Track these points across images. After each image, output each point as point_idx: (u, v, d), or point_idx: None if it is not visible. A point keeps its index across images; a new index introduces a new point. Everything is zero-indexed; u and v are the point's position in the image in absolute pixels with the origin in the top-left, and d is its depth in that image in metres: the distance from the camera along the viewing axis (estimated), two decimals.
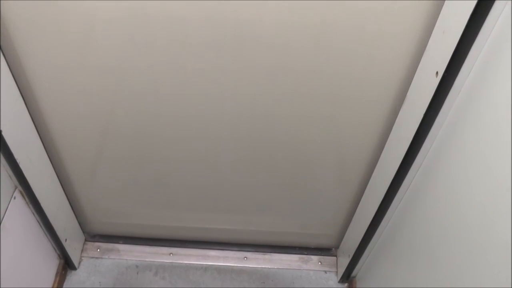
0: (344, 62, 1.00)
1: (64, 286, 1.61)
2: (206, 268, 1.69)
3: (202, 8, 0.90)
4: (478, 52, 0.80)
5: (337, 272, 1.69)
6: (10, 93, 1.05)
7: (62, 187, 1.41)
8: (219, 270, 1.69)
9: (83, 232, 1.70)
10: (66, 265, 1.62)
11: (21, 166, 1.13)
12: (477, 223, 0.81)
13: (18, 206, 1.26)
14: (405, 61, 0.98)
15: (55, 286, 1.55)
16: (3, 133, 1.03)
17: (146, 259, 1.70)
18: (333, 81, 1.04)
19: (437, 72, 0.86)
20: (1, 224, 1.17)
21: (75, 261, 1.62)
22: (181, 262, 1.70)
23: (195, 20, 0.93)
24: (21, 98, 1.09)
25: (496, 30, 0.75)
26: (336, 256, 1.73)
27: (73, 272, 1.65)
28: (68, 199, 1.47)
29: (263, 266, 1.70)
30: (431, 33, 0.90)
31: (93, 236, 1.73)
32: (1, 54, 0.99)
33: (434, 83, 0.87)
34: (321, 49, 0.97)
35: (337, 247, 1.72)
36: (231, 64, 1.02)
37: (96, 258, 1.69)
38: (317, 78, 1.04)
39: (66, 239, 1.51)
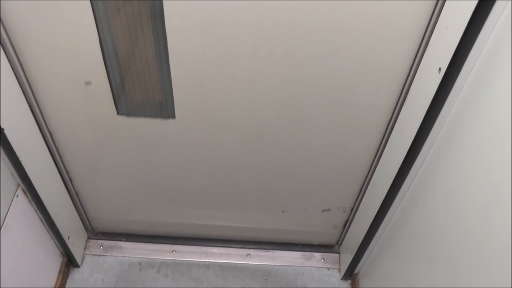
0: (346, 58, 0.99)
1: (67, 283, 1.62)
2: (208, 265, 1.69)
3: (201, 9, 0.90)
4: (481, 48, 0.79)
5: (339, 269, 1.69)
6: (12, 91, 1.05)
7: (65, 184, 1.41)
8: (221, 267, 1.69)
9: (86, 229, 1.70)
10: (69, 262, 1.63)
11: (24, 164, 1.13)
12: (480, 221, 0.81)
13: (21, 204, 1.26)
14: (407, 57, 0.98)
15: (58, 283, 1.56)
16: (5, 131, 1.03)
17: (149, 257, 1.70)
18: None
19: (439, 68, 0.86)
20: (4, 222, 1.17)
21: (78, 258, 1.63)
22: (184, 259, 1.70)
23: (193, 24, 0.93)
24: (23, 96, 1.10)
25: (498, 27, 0.75)
26: (339, 253, 1.73)
27: (76, 269, 1.65)
28: (70, 197, 1.48)
29: (266, 263, 1.71)
30: (434, 29, 0.89)
31: (95, 233, 1.74)
32: (3, 52, 0.99)
33: (436, 79, 0.87)
34: (323, 44, 0.97)
35: (340, 244, 1.72)
36: (233, 68, 1.02)
37: (99, 255, 1.70)
38: (318, 74, 1.04)
39: (68, 237, 1.51)
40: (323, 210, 1.54)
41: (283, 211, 1.55)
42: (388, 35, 0.94)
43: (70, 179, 1.43)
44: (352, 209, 1.51)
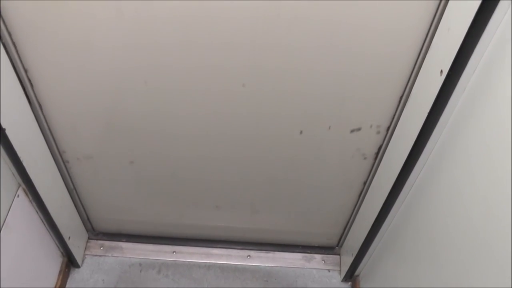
0: (348, 60, 0.99)
1: (67, 284, 1.61)
2: (209, 266, 1.69)
3: (205, 6, 0.90)
4: (483, 50, 0.79)
5: (340, 270, 1.69)
6: (13, 91, 1.05)
7: (65, 185, 1.41)
8: (222, 268, 1.69)
9: (86, 230, 1.70)
10: (70, 263, 1.63)
11: (24, 164, 1.13)
12: (481, 222, 0.80)
13: (22, 204, 1.26)
14: (409, 59, 0.98)
15: (59, 284, 1.56)
16: (6, 131, 1.03)
17: (149, 257, 1.70)
18: (337, 79, 1.04)
19: (441, 71, 0.86)
20: (5, 222, 1.17)
21: (78, 259, 1.63)
22: (184, 260, 1.70)
23: (198, 18, 0.92)
24: (24, 96, 1.09)
25: (501, 28, 0.75)
26: (339, 254, 1.73)
27: (76, 270, 1.65)
28: (71, 197, 1.48)
29: (266, 265, 1.70)
30: (436, 30, 0.89)
31: (96, 234, 1.74)
32: (4, 53, 0.99)
33: (438, 81, 0.87)
34: (325, 48, 0.97)
35: (340, 245, 1.72)
36: (235, 63, 1.02)
37: (99, 256, 1.69)
38: (321, 77, 1.04)
39: (69, 237, 1.51)
40: (324, 211, 1.53)
41: (284, 212, 1.55)
42: (390, 36, 0.93)
43: (71, 180, 1.43)
44: (353, 210, 1.50)
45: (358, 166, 1.31)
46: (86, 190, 1.49)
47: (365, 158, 1.28)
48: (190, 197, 1.51)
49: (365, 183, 1.38)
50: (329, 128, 1.19)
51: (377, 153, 1.25)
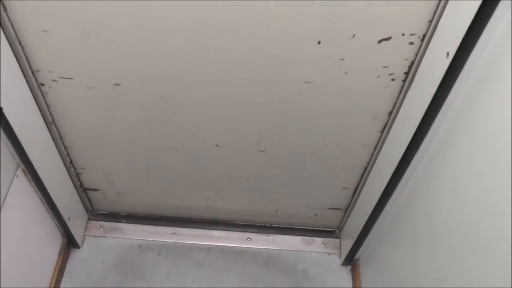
0: (350, 41, 0.97)
1: (67, 264, 1.62)
2: (209, 249, 1.69)
3: None
4: (492, 33, 0.77)
5: (340, 254, 1.69)
6: (11, 71, 1.04)
7: (65, 165, 1.40)
8: (222, 250, 1.69)
9: (86, 210, 1.70)
10: (70, 243, 1.63)
11: (23, 144, 1.12)
12: (481, 209, 0.80)
13: (21, 185, 1.25)
14: (415, 40, 0.96)
15: (59, 264, 1.56)
16: (5, 111, 1.02)
17: (149, 239, 1.70)
18: (340, 61, 1.02)
19: (448, 53, 0.84)
20: (4, 203, 1.17)
21: (78, 239, 1.63)
22: (185, 242, 1.70)
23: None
24: (22, 75, 1.08)
25: (511, 11, 0.73)
26: (339, 238, 1.73)
27: (77, 250, 1.65)
28: (70, 178, 1.47)
29: (266, 247, 1.70)
30: (443, 11, 0.87)
31: (96, 214, 1.73)
32: (2, 31, 0.97)
33: (444, 64, 0.85)
34: (327, 29, 0.95)
35: (340, 229, 1.72)
36: (237, 46, 1.00)
37: (99, 237, 1.70)
38: (322, 59, 1.02)
39: (69, 218, 1.51)
40: (325, 195, 1.53)
41: (285, 195, 1.55)
42: (396, 17, 0.91)
43: (70, 160, 1.42)
44: (354, 194, 1.50)
45: (383, 90, 1.10)
46: (86, 171, 1.48)
47: (392, 80, 1.07)
48: (192, 179, 1.50)
49: (390, 114, 1.17)
50: (353, 36, 0.97)
51: (407, 74, 1.05)
